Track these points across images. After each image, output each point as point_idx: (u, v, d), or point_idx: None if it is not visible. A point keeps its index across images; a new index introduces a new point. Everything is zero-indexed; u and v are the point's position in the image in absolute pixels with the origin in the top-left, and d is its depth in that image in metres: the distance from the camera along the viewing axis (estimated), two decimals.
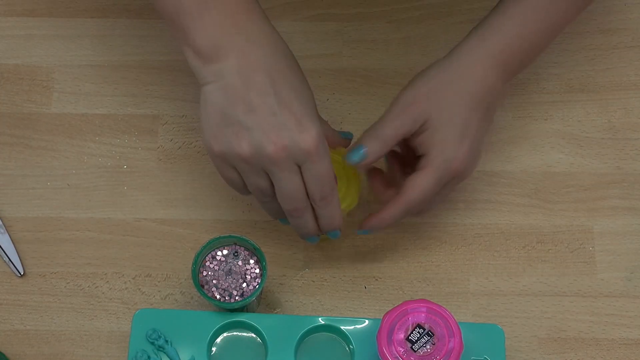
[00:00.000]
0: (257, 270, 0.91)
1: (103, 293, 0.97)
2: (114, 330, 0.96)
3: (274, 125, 0.81)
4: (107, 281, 0.98)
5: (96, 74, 1.06)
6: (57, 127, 1.03)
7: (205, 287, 0.90)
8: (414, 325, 0.86)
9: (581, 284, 0.98)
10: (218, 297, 0.90)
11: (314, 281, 0.98)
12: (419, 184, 0.88)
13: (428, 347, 0.85)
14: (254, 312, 0.95)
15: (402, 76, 1.05)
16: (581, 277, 0.98)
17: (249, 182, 0.86)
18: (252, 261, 0.91)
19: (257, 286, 0.90)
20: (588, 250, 0.99)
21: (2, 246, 0.98)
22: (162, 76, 1.06)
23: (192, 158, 1.02)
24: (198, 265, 0.90)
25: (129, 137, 1.03)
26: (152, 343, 0.91)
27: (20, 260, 0.98)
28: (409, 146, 0.91)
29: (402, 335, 0.86)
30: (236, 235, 0.91)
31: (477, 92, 0.88)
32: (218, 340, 0.93)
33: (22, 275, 0.98)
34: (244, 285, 0.91)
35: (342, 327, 0.92)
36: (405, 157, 0.93)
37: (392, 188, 0.92)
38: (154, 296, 0.97)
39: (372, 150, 0.88)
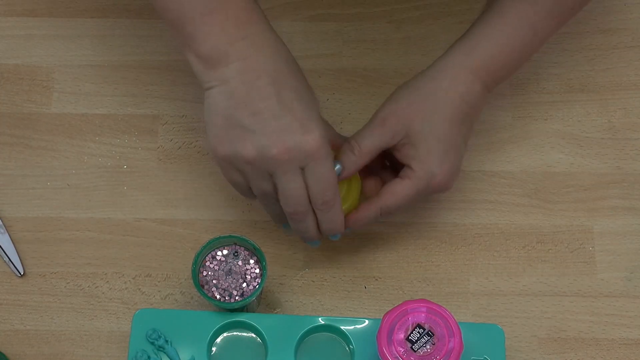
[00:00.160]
0: (257, 270, 0.91)
1: (103, 293, 0.97)
2: (114, 330, 0.96)
3: (277, 128, 0.82)
4: (107, 281, 0.98)
5: (96, 74, 1.06)
6: (57, 127, 1.03)
7: (205, 287, 0.90)
8: (414, 325, 0.86)
9: (581, 284, 0.98)
10: (218, 297, 0.90)
11: (314, 281, 0.98)
12: (398, 192, 0.89)
13: (428, 347, 0.85)
14: (254, 312, 0.95)
15: (402, 76, 1.05)
16: (581, 277, 0.98)
17: (253, 185, 0.87)
18: (252, 261, 0.91)
19: (257, 286, 0.90)
20: (588, 250, 0.99)
21: (2, 246, 0.98)
22: (162, 76, 1.06)
23: (192, 158, 1.02)
24: (198, 265, 0.90)
25: (129, 137, 1.03)
26: (152, 343, 0.91)
27: (20, 260, 0.98)
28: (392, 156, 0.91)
29: (402, 335, 0.86)
30: (236, 235, 0.91)
31: (459, 106, 0.88)
32: (218, 340, 0.93)
33: (22, 275, 0.98)
34: (244, 285, 0.91)
35: (342, 327, 0.92)
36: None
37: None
38: (154, 296, 0.97)
39: (348, 165, 0.88)
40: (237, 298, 0.90)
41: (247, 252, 0.91)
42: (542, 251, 0.99)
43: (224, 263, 0.91)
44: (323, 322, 0.92)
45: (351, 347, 0.92)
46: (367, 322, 0.92)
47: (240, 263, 0.91)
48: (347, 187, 0.91)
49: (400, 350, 0.85)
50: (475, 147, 1.03)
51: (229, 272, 0.91)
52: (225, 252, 0.91)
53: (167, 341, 0.91)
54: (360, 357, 0.91)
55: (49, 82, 1.05)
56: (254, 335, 0.93)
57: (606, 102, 1.05)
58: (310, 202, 0.86)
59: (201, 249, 0.90)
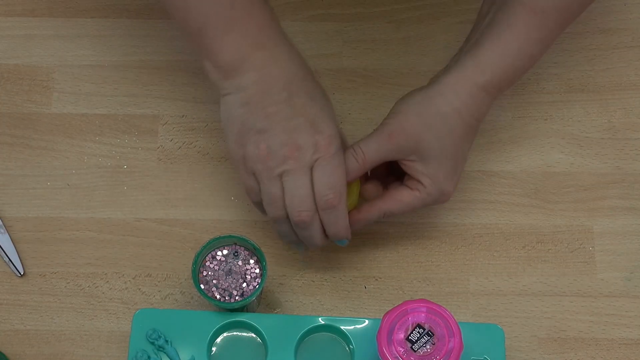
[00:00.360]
0: (257, 270, 0.91)
1: (103, 293, 0.97)
2: (114, 330, 0.96)
3: (289, 129, 0.85)
4: (107, 281, 0.98)
5: (96, 74, 1.06)
6: (57, 127, 1.03)
7: (205, 287, 0.90)
8: (414, 325, 0.86)
9: (581, 284, 0.98)
10: (218, 297, 0.90)
11: (314, 281, 0.98)
12: (405, 201, 0.90)
13: (428, 347, 0.85)
14: (254, 312, 0.95)
15: (402, 76, 1.06)
16: (581, 277, 0.98)
17: (263, 189, 0.87)
18: (252, 261, 0.91)
19: (257, 286, 0.90)
20: (588, 250, 0.99)
21: (2, 246, 0.98)
22: (162, 76, 1.06)
23: (192, 158, 1.02)
24: (198, 265, 0.90)
25: (129, 137, 1.03)
26: (152, 343, 0.91)
27: (20, 260, 0.98)
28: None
29: (402, 335, 0.86)
30: (236, 235, 0.91)
31: (468, 122, 0.88)
32: (218, 340, 0.93)
33: (22, 275, 0.98)
34: (244, 285, 0.91)
35: (342, 327, 0.92)
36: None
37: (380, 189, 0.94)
38: (154, 296, 0.97)
39: (350, 171, 0.89)
40: (237, 298, 0.90)
41: (247, 252, 0.91)
42: (542, 251, 0.99)
43: (224, 263, 0.91)
44: (323, 322, 0.92)
45: (351, 347, 0.92)
46: (367, 322, 0.92)
47: (240, 263, 0.91)
48: (346, 187, 0.91)
49: (400, 350, 0.85)
50: (475, 147, 1.02)
51: (229, 272, 0.91)
52: (225, 252, 0.91)
53: (167, 341, 0.91)
54: (360, 357, 0.91)
55: (49, 82, 1.05)
56: (254, 335, 0.93)
57: (606, 102, 1.05)
58: (315, 207, 0.87)
59: (201, 249, 0.90)
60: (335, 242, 0.91)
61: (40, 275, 0.98)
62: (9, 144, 1.03)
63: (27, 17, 1.08)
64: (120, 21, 1.08)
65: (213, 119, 1.04)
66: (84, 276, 0.98)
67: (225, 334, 0.93)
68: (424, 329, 0.85)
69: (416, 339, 0.85)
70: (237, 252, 0.91)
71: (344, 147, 0.91)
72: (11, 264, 0.98)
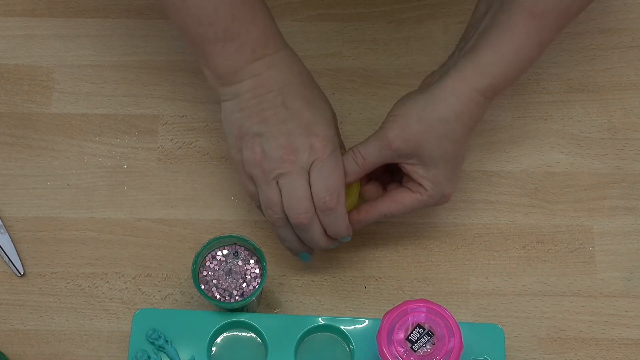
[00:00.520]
0: (257, 270, 0.91)
1: (103, 293, 0.97)
2: (114, 330, 0.96)
3: (284, 132, 0.86)
4: (107, 281, 0.98)
5: (96, 74, 1.06)
6: (57, 127, 1.03)
7: (205, 287, 0.90)
8: (414, 325, 0.86)
9: (581, 284, 0.98)
10: (218, 297, 0.90)
11: (314, 281, 0.98)
12: (406, 203, 0.90)
13: (428, 347, 0.85)
14: (254, 312, 0.95)
15: (402, 76, 1.06)
16: (581, 277, 0.98)
17: (260, 192, 0.88)
18: (252, 261, 0.91)
19: (257, 286, 0.90)
20: (588, 250, 0.99)
21: (2, 246, 0.98)
22: (162, 76, 1.06)
23: (192, 158, 1.02)
24: (198, 265, 0.90)
25: (129, 137, 1.03)
26: (152, 343, 0.91)
27: (20, 260, 0.98)
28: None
29: (402, 335, 0.86)
30: (236, 235, 0.91)
31: (467, 126, 0.88)
32: (218, 340, 0.93)
33: (22, 275, 0.98)
34: (244, 285, 0.91)
35: (342, 327, 0.92)
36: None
37: (380, 190, 0.94)
38: (154, 296, 0.97)
39: (349, 174, 0.89)
40: (237, 298, 0.90)
41: (247, 252, 0.91)
42: (542, 251, 0.99)
43: (224, 263, 0.91)
44: (323, 322, 0.92)
45: (351, 347, 0.92)
46: (367, 322, 0.92)
47: (240, 263, 0.91)
48: (346, 187, 0.91)
49: (400, 350, 0.85)
50: (475, 147, 1.03)
51: (229, 272, 0.91)
52: (225, 252, 0.91)
53: (167, 341, 0.91)
54: (360, 357, 0.91)
55: (49, 82, 1.05)
56: (254, 335, 0.93)
57: (606, 102, 1.05)
58: (314, 208, 0.87)
59: (201, 249, 0.90)
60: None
61: (40, 275, 0.98)
62: (9, 144, 1.03)
63: (27, 17, 1.08)
64: (120, 21, 1.08)
65: (213, 119, 1.04)
66: (84, 276, 0.98)
67: (225, 334, 0.93)
68: (424, 329, 0.85)
69: (416, 339, 0.85)
70: (237, 252, 0.91)
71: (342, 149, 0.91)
72: (11, 264, 0.98)
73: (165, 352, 0.91)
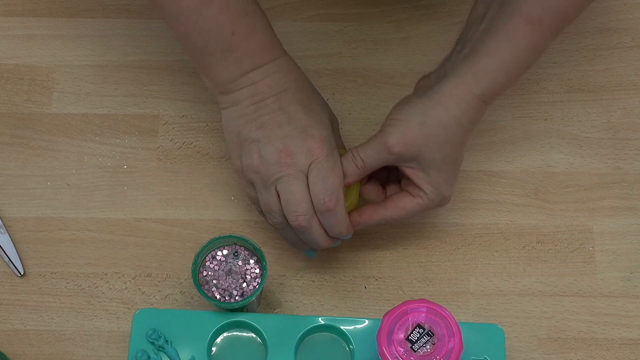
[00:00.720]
0: (257, 270, 0.91)
1: (103, 293, 0.97)
2: (114, 330, 0.96)
3: (281, 135, 0.86)
4: (107, 281, 0.98)
5: (96, 74, 1.06)
6: (57, 127, 1.03)
7: (205, 287, 0.90)
8: (414, 325, 0.86)
9: (581, 284, 0.98)
10: (218, 297, 0.90)
11: (314, 281, 0.98)
12: (407, 208, 0.90)
13: (428, 347, 0.85)
14: (254, 312, 0.95)
15: (402, 76, 1.06)
16: (581, 277, 0.98)
17: (260, 197, 0.89)
18: (252, 261, 0.91)
19: (257, 286, 0.90)
20: (588, 250, 0.99)
21: (2, 246, 0.98)
22: (162, 76, 1.06)
23: (192, 158, 1.02)
24: (198, 265, 0.90)
25: (129, 137, 1.03)
26: (152, 343, 0.91)
27: (20, 260, 0.98)
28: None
29: (402, 335, 0.86)
30: (236, 235, 0.91)
31: (466, 129, 0.88)
32: (218, 340, 0.93)
33: (22, 275, 0.98)
34: (244, 285, 0.91)
35: (342, 327, 0.92)
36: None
37: (381, 192, 0.94)
38: (154, 296, 0.97)
39: (349, 176, 0.89)
40: (237, 298, 0.90)
41: (247, 252, 0.91)
42: (542, 251, 0.99)
43: (224, 263, 0.91)
44: (323, 322, 0.92)
45: (351, 347, 0.92)
46: (367, 322, 0.92)
47: (240, 263, 0.91)
48: (345, 188, 0.91)
49: (400, 350, 0.85)
50: (475, 147, 1.03)
51: (229, 272, 0.91)
52: (225, 252, 0.91)
53: (167, 341, 0.91)
54: (360, 357, 0.91)
55: (49, 82, 1.05)
56: (254, 335, 0.93)
57: (606, 102, 1.05)
58: (313, 210, 0.87)
59: (201, 249, 0.90)
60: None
61: (40, 275, 0.98)
62: (9, 144, 1.03)
63: (27, 17, 1.08)
64: (120, 21, 1.08)
65: (213, 119, 1.04)
66: (84, 276, 0.98)
67: (225, 334, 0.93)
68: (424, 329, 0.85)
69: (416, 339, 0.85)
70: (237, 252, 0.91)
71: (338, 146, 0.91)
72: (11, 264, 0.98)
73: (165, 352, 0.91)
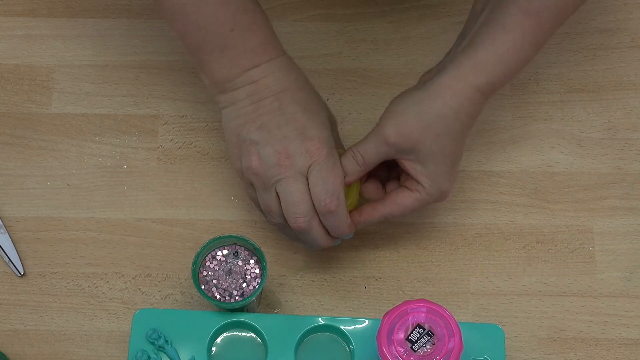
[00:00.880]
0: (257, 270, 0.91)
1: (103, 293, 0.97)
2: (114, 330, 0.96)
3: (279, 137, 0.86)
4: (107, 281, 0.98)
5: (96, 74, 1.06)
6: (57, 127, 1.03)
7: (205, 287, 0.90)
8: (414, 325, 0.86)
9: (581, 284, 0.98)
10: (218, 297, 0.90)
11: (314, 281, 0.98)
12: (405, 203, 0.90)
13: (428, 347, 0.85)
14: (254, 312, 0.95)
15: (402, 76, 1.06)
16: (581, 277, 0.98)
17: (260, 199, 0.89)
18: (252, 261, 0.91)
19: (257, 286, 0.90)
20: (588, 250, 0.99)
21: (2, 246, 0.98)
22: (162, 76, 1.06)
23: (192, 158, 1.02)
24: (198, 265, 0.90)
25: (129, 137, 1.03)
26: (152, 343, 0.91)
27: (20, 260, 0.98)
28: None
29: (402, 335, 0.86)
30: (236, 235, 0.91)
31: (465, 123, 0.88)
32: (218, 340, 0.93)
33: (22, 275, 0.98)
34: (244, 285, 0.91)
35: (342, 327, 0.92)
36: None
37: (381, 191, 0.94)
38: (154, 296, 0.97)
39: (350, 174, 0.89)
40: (237, 298, 0.90)
41: (247, 252, 0.91)
42: (542, 251, 0.99)
43: (224, 263, 0.91)
44: (323, 322, 0.92)
45: (351, 347, 0.92)
46: (367, 322, 0.92)
47: (240, 263, 0.91)
48: (346, 187, 0.92)
49: (400, 350, 0.85)
50: (475, 147, 1.03)
51: (229, 272, 0.91)
52: (225, 252, 0.91)
53: (167, 341, 0.91)
54: (360, 357, 0.91)
55: (49, 82, 1.05)
56: (254, 335, 0.93)
57: (606, 102, 1.05)
58: (314, 211, 0.87)
59: (201, 249, 0.90)
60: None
61: (40, 275, 0.98)
62: (9, 144, 1.03)
63: (27, 17, 1.08)
64: (120, 21, 1.08)
65: (213, 119, 1.04)
66: (84, 276, 0.98)
67: (225, 334, 0.93)
68: (424, 329, 0.85)
69: (416, 339, 0.85)
70: (237, 252, 0.91)
71: (337, 146, 0.91)
72: (11, 264, 0.98)
73: (165, 352, 0.91)
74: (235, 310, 0.92)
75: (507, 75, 0.88)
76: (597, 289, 0.98)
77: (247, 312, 0.93)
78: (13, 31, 1.07)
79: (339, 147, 0.92)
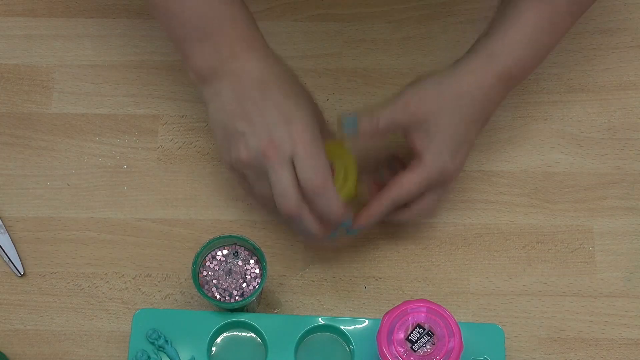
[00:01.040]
0: (257, 270, 0.91)
1: (103, 293, 0.97)
2: (114, 330, 0.96)
3: (264, 125, 0.86)
4: (107, 281, 0.98)
5: (96, 74, 1.06)
6: (57, 127, 1.03)
7: (205, 287, 0.90)
8: (414, 325, 0.86)
9: (581, 284, 0.98)
10: (218, 297, 0.90)
11: (314, 281, 0.98)
12: (407, 182, 0.90)
13: (428, 347, 0.85)
14: (254, 312, 0.95)
15: (402, 76, 1.06)
16: (581, 277, 0.98)
17: (257, 192, 0.89)
18: (252, 261, 0.91)
19: (257, 286, 0.90)
20: (588, 250, 0.99)
21: (2, 246, 0.98)
22: (162, 76, 1.06)
23: (192, 158, 1.02)
24: (198, 265, 0.90)
25: (129, 137, 1.03)
26: (152, 343, 0.91)
27: (20, 260, 0.98)
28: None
29: (402, 335, 0.86)
30: (236, 235, 0.91)
31: (480, 108, 0.90)
32: (218, 340, 0.93)
33: (22, 275, 0.98)
34: (244, 285, 0.91)
35: (342, 327, 0.92)
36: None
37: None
38: (154, 296, 0.97)
39: (364, 128, 0.90)
40: (237, 298, 0.90)
41: (247, 252, 0.91)
42: (542, 251, 0.99)
43: (224, 263, 0.91)
44: (323, 322, 0.92)
45: (351, 347, 0.92)
46: (367, 322, 0.92)
47: (240, 263, 0.91)
48: (343, 175, 0.91)
49: (400, 350, 0.85)
50: (475, 147, 1.02)
51: (229, 272, 0.91)
52: (225, 252, 0.91)
53: (167, 341, 0.91)
54: (360, 357, 0.91)
55: (49, 82, 1.05)
56: (254, 335, 0.93)
57: (606, 102, 1.05)
58: (302, 197, 0.86)
59: (201, 249, 0.90)
60: (347, 233, 0.92)
61: (40, 275, 0.98)
62: (9, 144, 1.03)
63: (27, 17, 1.08)
64: (120, 21, 1.08)
65: None
66: (84, 276, 0.98)
67: (225, 334, 0.93)
68: (424, 329, 0.85)
69: (416, 339, 0.85)
70: (237, 252, 0.91)
71: (327, 136, 0.91)
72: (11, 264, 0.98)
73: (165, 352, 0.91)
74: (235, 310, 0.92)
75: (526, 62, 0.90)
76: (597, 289, 0.98)
77: (247, 312, 0.93)
78: (13, 31, 1.07)
79: (327, 137, 0.91)
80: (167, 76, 1.05)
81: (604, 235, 1.00)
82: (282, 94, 0.87)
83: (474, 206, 1.01)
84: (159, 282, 0.98)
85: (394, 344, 0.85)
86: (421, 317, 0.86)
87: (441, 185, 0.92)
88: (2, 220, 0.99)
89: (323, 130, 0.91)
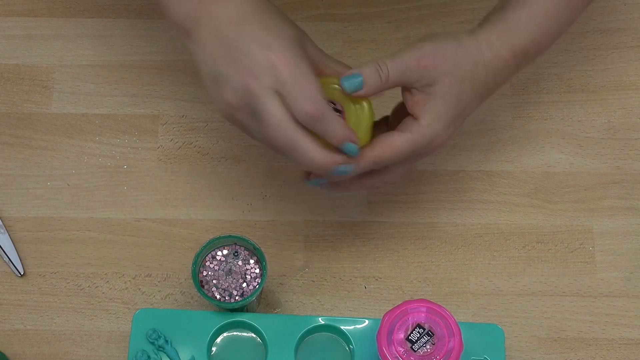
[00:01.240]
0: (257, 270, 0.91)
1: (103, 293, 0.97)
2: (114, 330, 0.96)
3: (246, 63, 0.81)
4: (107, 281, 0.98)
5: (96, 74, 1.06)
6: (57, 127, 1.03)
7: (205, 287, 0.90)
8: (414, 325, 0.86)
9: (581, 284, 0.98)
10: (218, 297, 0.90)
11: (314, 281, 0.98)
12: (395, 145, 0.84)
13: (428, 347, 0.85)
14: (254, 312, 0.95)
15: None
16: (581, 277, 0.98)
17: (256, 135, 0.83)
18: (252, 261, 0.91)
19: (257, 286, 0.90)
20: (588, 250, 0.99)
21: (2, 246, 0.98)
22: (162, 76, 1.06)
23: (192, 158, 1.02)
24: (198, 265, 0.90)
25: (129, 137, 1.03)
26: (152, 343, 0.91)
27: (20, 260, 0.98)
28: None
29: (402, 335, 0.86)
30: (236, 235, 0.91)
31: (489, 78, 0.86)
32: (218, 340, 0.93)
33: (22, 275, 0.98)
34: (244, 285, 0.91)
35: (342, 327, 0.92)
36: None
37: None
38: (154, 296, 0.97)
39: (370, 85, 0.84)
40: (237, 298, 0.90)
41: (247, 252, 0.91)
42: (542, 251, 0.99)
43: (224, 263, 0.91)
44: (323, 322, 0.92)
45: (351, 347, 0.92)
46: (367, 322, 0.92)
47: (240, 263, 0.91)
48: (354, 120, 0.85)
49: (400, 350, 0.85)
50: (475, 147, 1.03)
51: (229, 272, 0.91)
52: (225, 252, 0.91)
53: (167, 341, 0.91)
54: (360, 357, 0.91)
55: (49, 82, 1.05)
56: (254, 335, 0.93)
57: (606, 102, 1.05)
58: (297, 127, 0.81)
59: (201, 249, 0.90)
60: (338, 170, 0.83)
61: (40, 275, 0.98)
62: (9, 144, 1.03)
63: (27, 17, 1.08)
64: (120, 21, 1.08)
65: (213, 119, 1.03)
66: (84, 276, 0.98)
67: (225, 334, 0.93)
68: (424, 329, 0.85)
69: (416, 339, 0.85)
70: (237, 252, 0.91)
71: (328, 61, 0.87)
72: (11, 264, 0.98)
73: (165, 352, 0.91)
74: (235, 310, 0.92)
75: (541, 39, 0.87)
76: (597, 289, 0.98)
77: (247, 312, 0.93)
78: (13, 31, 1.07)
79: (324, 61, 0.87)
80: (167, 76, 1.05)
81: (604, 235, 1.00)
82: (260, 26, 0.82)
83: (474, 206, 1.01)
84: (159, 282, 0.98)
85: (394, 344, 0.85)
86: (421, 317, 0.86)
87: (420, 156, 0.86)
88: (2, 220, 0.99)
89: (316, 56, 0.87)
